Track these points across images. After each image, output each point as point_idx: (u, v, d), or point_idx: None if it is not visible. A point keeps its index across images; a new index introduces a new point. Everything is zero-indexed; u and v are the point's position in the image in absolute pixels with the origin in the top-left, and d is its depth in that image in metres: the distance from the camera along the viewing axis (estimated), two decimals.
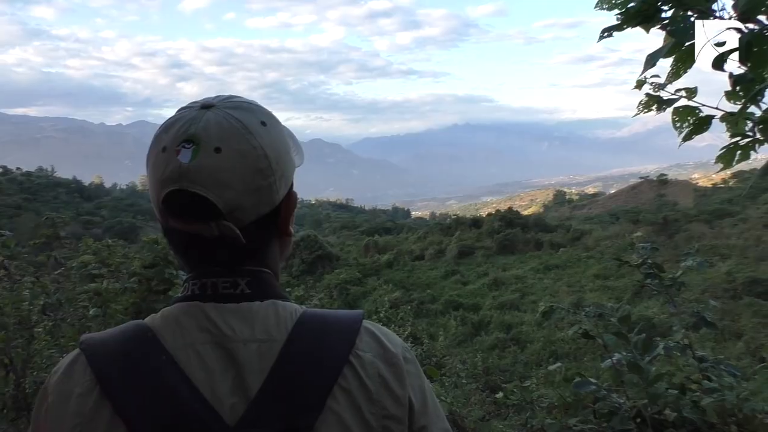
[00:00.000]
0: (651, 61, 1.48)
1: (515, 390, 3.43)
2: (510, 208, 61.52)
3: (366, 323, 0.99)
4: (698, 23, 1.41)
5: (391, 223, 78.76)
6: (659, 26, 1.48)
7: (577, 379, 2.70)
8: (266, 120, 0.96)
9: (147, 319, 0.95)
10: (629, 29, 1.56)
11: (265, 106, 1.00)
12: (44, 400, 0.91)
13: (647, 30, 1.50)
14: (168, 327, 0.92)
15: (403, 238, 56.72)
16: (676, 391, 2.53)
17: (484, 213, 75.96)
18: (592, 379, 2.64)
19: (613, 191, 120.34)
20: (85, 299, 3.57)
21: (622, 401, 2.59)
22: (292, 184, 1.01)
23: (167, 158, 0.89)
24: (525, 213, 73.19)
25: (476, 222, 54.79)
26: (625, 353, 2.58)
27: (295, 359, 0.90)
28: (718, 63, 1.37)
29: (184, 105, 0.97)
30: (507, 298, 33.36)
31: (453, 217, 71.68)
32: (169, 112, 1.00)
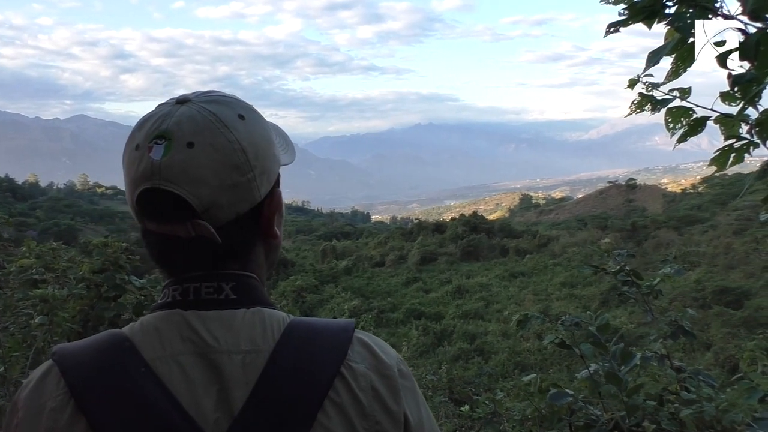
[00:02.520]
0: (653, 58, 1.52)
1: (487, 402, 3.47)
2: (475, 213, 62.03)
3: (358, 333, 0.98)
4: (697, 22, 1.45)
5: (350, 228, 78.74)
6: (665, 22, 1.52)
7: (553, 390, 2.74)
8: (245, 113, 0.95)
9: (125, 329, 0.94)
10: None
11: None
12: (14, 414, 0.89)
13: (649, 26, 1.54)
14: (147, 337, 0.90)
15: (363, 244, 56.74)
16: (654, 403, 2.59)
17: (447, 217, 76.64)
18: (568, 390, 2.69)
19: (580, 195, 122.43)
20: (27, 306, 3.49)
21: (599, 413, 2.64)
22: (277, 183, 1.01)
23: (140, 156, 0.89)
24: (490, 218, 73.97)
25: (439, 227, 55.14)
26: (602, 363, 2.63)
27: (283, 371, 0.88)
28: (723, 60, 1.42)
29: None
30: (471, 307, 33.56)
31: (415, 221, 71.87)
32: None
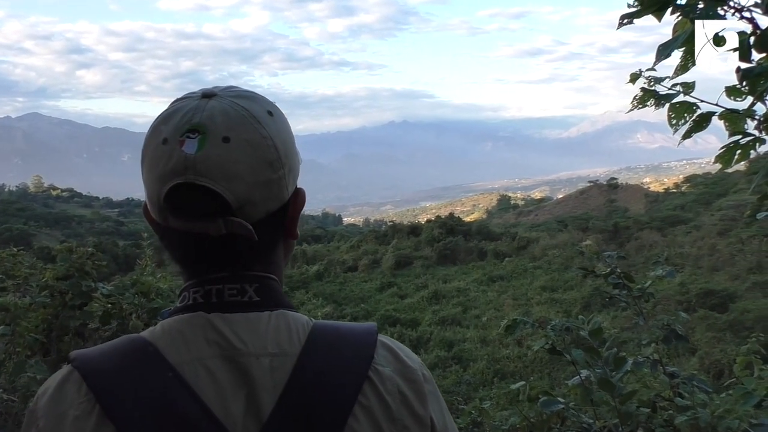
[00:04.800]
0: (664, 51, 1.56)
1: (473, 411, 3.49)
2: (451, 214, 62.17)
3: (380, 336, 1.01)
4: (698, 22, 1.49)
5: (321, 231, 78.50)
6: (679, 13, 1.55)
7: (543, 397, 2.76)
8: (272, 110, 0.97)
9: (143, 333, 0.95)
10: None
11: None
12: (33, 425, 0.89)
13: (659, 18, 1.58)
14: (171, 340, 0.91)
15: (334, 247, 56.64)
16: (647, 410, 2.63)
17: (423, 219, 76.78)
18: (560, 398, 2.71)
19: (560, 196, 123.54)
20: None
21: (591, 421, 2.67)
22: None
23: (169, 150, 0.89)
24: (467, 219, 74.32)
25: (414, 229, 55.20)
26: (593, 369, 2.66)
27: (311, 375, 0.90)
28: (744, 53, 1.45)
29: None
30: (448, 313, 33.64)
31: (389, 223, 72.03)
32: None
